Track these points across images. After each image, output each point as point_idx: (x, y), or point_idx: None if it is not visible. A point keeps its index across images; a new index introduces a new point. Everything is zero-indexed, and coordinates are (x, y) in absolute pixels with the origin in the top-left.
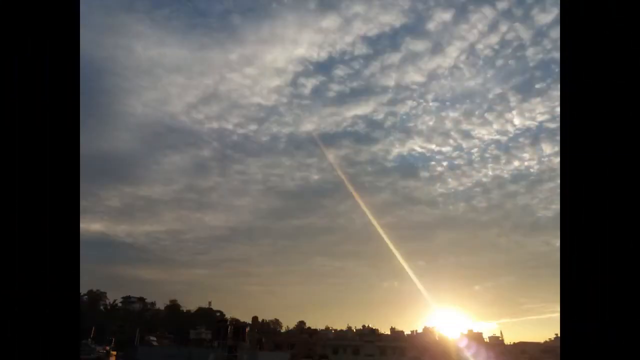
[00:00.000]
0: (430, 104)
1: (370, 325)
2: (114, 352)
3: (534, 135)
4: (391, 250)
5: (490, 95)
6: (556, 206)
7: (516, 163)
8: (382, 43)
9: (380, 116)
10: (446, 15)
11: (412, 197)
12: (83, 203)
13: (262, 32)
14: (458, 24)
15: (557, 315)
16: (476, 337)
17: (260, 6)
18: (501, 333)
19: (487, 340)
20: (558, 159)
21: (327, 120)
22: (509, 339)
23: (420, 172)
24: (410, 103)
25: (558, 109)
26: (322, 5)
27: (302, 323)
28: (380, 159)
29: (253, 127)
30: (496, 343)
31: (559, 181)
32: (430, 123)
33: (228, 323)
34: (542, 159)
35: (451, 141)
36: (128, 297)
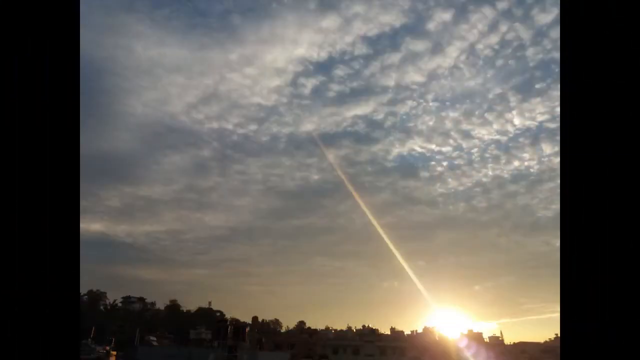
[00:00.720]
0: (430, 104)
1: (370, 325)
2: (114, 352)
3: (534, 135)
4: (391, 250)
5: (490, 95)
6: (556, 206)
7: (516, 163)
8: (382, 43)
9: (380, 116)
10: (446, 15)
11: (412, 197)
12: (83, 203)
13: (262, 32)
14: (458, 24)
15: (557, 315)
16: (476, 337)
17: (260, 6)
18: (501, 333)
19: (487, 340)
20: (558, 159)
21: (327, 120)
22: (509, 339)
23: (420, 172)
24: (410, 103)
25: (558, 109)
26: (322, 5)
27: (302, 323)
28: (380, 159)
29: (253, 127)
30: (496, 343)
31: (559, 181)
32: (430, 123)
33: (228, 323)
34: (542, 159)
35: (451, 141)
36: (128, 297)
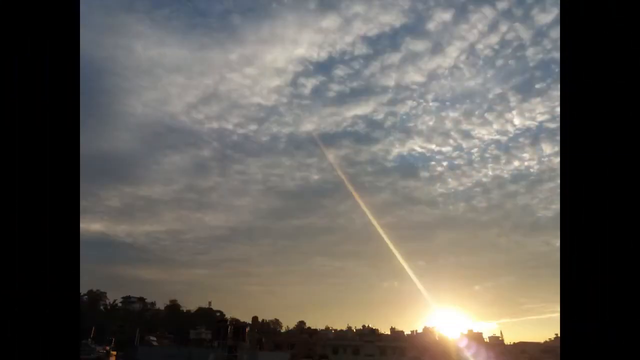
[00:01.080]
0: (430, 104)
1: (370, 325)
2: (114, 352)
3: (534, 135)
4: (391, 250)
5: (490, 95)
6: (556, 206)
7: (516, 163)
8: (382, 43)
9: (380, 116)
10: (446, 15)
11: (412, 197)
12: (83, 203)
13: (262, 32)
14: (458, 24)
15: (557, 315)
16: (476, 337)
17: (260, 6)
18: (501, 333)
19: (487, 340)
20: (558, 159)
21: (327, 120)
22: (509, 339)
23: (420, 172)
24: (410, 103)
25: (558, 109)
26: (322, 5)
27: (302, 323)
28: (380, 159)
29: (253, 127)
30: (496, 343)
31: (559, 181)
32: (430, 123)
33: (228, 323)
34: (542, 159)
35: (451, 141)
36: (128, 297)
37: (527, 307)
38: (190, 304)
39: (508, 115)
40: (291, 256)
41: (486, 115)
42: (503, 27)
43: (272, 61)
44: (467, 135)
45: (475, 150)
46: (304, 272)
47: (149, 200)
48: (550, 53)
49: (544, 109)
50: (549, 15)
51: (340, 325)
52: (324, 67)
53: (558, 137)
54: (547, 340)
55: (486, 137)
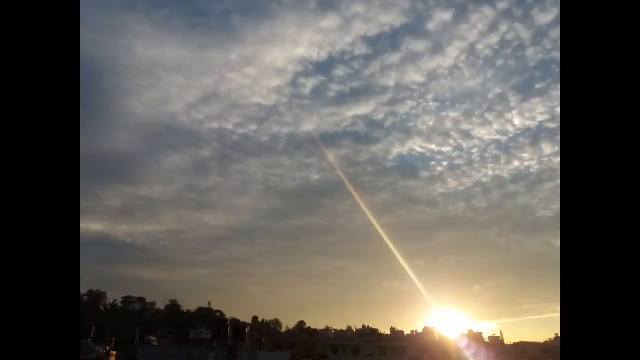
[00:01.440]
0: (430, 104)
1: (370, 325)
2: (114, 352)
3: (534, 135)
4: (391, 250)
5: (490, 95)
6: (556, 206)
7: (516, 163)
8: (382, 43)
9: (380, 116)
10: (446, 15)
11: (412, 197)
12: (83, 203)
13: (262, 32)
14: (458, 24)
15: (557, 315)
16: (476, 337)
17: (260, 6)
18: (501, 333)
19: (487, 340)
20: (558, 159)
21: (327, 120)
22: (509, 339)
23: (420, 172)
24: (410, 103)
25: (558, 109)
26: (322, 5)
27: (302, 323)
28: (380, 159)
29: (253, 127)
30: (496, 343)
31: (559, 181)
32: (430, 123)
33: (228, 323)
34: (542, 159)
35: (451, 141)
36: (128, 297)
37: (527, 307)
38: (190, 304)
39: (508, 115)
40: (291, 256)
41: (486, 115)
42: (503, 27)
43: (272, 61)
44: (467, 135)
45: (475, 150)
46: (304, 272)
47: (149, 200)
48: (550, 53)
49: (544, 109)
50: (549, 15)
51: (340, 325)
52: (324, 67)
53: (558, 137)
54: (547, 340)
55: (486, 137)
